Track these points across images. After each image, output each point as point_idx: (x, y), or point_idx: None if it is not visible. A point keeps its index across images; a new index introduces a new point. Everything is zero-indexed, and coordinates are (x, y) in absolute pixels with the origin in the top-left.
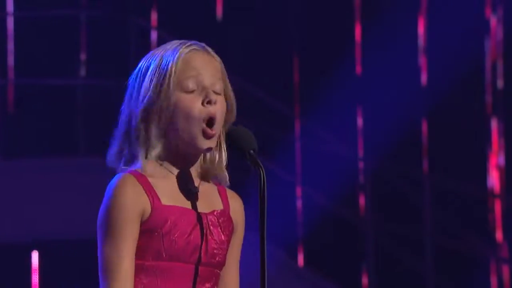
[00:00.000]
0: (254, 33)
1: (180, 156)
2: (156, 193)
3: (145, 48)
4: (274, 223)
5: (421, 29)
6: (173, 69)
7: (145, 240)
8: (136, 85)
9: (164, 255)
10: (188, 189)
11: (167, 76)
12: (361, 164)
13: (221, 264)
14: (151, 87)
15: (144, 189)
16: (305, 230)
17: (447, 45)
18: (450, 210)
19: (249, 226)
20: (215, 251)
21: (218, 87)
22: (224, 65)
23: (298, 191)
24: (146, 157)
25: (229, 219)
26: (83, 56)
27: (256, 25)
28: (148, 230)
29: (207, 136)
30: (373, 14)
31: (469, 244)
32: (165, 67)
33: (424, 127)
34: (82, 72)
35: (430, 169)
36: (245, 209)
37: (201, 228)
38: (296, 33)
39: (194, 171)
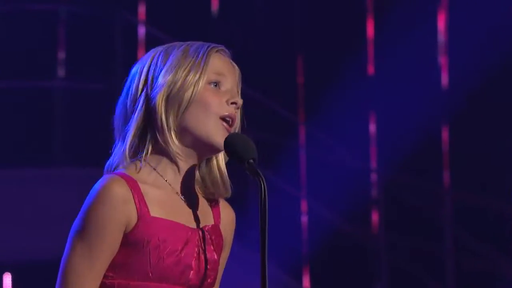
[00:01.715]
0: (253, 29)
1: (184, 158)
2: (145, 202)
3: (132, 46)
4: (277, 240)
5: (441, 24)
6: (205, 58)
7: (127, 256)
8: (152, 70)
9: (151, 275)
10: (181, 201)
11: (198, 62)
12: (373, 176)
13: (212, 286)
14: (178, 71)
15: (133, 196)
16: (311, 249)
17: (470, 42)
18: (473, 228)
19: (247, 242)
20: (207, 272)
21: (239, 96)
22: None
23: (303, 205)
24: (140, 159)
25: (220, 234)
26: (61, 55)
27: (255, 21)
28: (132, 243)
29: (226, 131)
30: (388, 7)
31: (493, 264)
32: (196, 55)
33: (445, 134)
34: (61, 73)
35: (451, 182)
36: (244, 226)
37: (193, 246)
38: (300, 29)
39: (190, 181)
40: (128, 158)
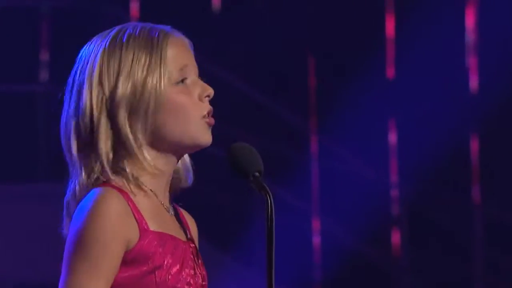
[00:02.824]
0: (259, 27)
1: (164, 166)
2: (142, 215)
3: None
4: (285, 263)
5: (470, 22)
6: (160, 53)
7: (130, 275)
8: (106, 79)
9: None
10: (166, 212)
11: (154, 60)
12: (394, 192)
13: None
14: (135, 76)
15: (131, 209)
16: (324, 273)
17: (502, 41)
18: (506, 248)
19: (252, 265)
20: None
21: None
22: (223, 67)
23: (315, 224)
24: (117, 171)
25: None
26: (44, 56)
27: (261, 18)
28: (135, 261)
29: (210, 125)
30: (410, 3)
31: None
32: (149, 50)
33: (474, 144)
34: (43, 76)
35: (481, 198)
36: (249, 247)
37: (189, 261)
38: (311, 26)
39: (168, 186)
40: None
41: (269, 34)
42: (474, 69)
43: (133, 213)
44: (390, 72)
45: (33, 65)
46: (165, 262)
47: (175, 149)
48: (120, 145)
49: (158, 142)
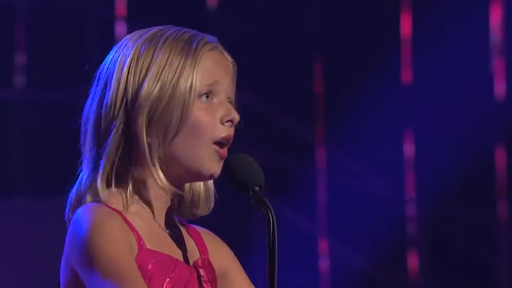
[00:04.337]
0: (259, 26)
1: (169, 189)
2: (138, 233)
3: (108, 48)
4: None
5: (495, 20)
6: (195, 61)
7: None
8: (133, 75)
9: None
10: (166, 234)
11: (188, 67)
12: (410, 209)
13: None
14: (164, 81)
15: (127, 225)
16: None
17: None
18: None
19: None
20: None
21: (232, 97)
22: None
23: (322, 245)
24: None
25: (212, 269)
26: (20, 59)
27: (262, 16)
28: None
29: (221, 157)
30: (428, 0)
31: None
32: (184, 55)
33: (500, 156)
34: (19, 81)
35: (508, 216)
36: (248, 268)
37: (194, 285)
38: (318, 27)
39: (170, 207)
40: (103, 189)
41: (270, 34)
42: (500, 73)
43: (130, 228)
44: (406, 76)
45: (7, 69)
46: (166, 285)
47: (181, 172)
48: (132, 152)
49: (167, 159)
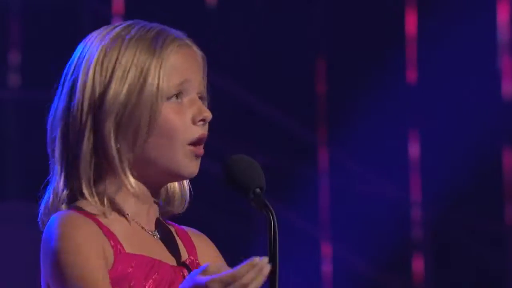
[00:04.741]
0: (260, 25)
1: (145, 191)
2: (116, 237)
3: None
4: None
5: (503, 18)
6: (161, 60)
7: None
8: (99, 77)
9: None
10: (149, 236)
11: (154, 67)
12: (416, 212)
13: None
14: (130, 84)
15: (102, 232)
16: None
17: None
18: None
19: None
20: None
21: (204, 92)
22: (219, 71)
23: (325, 249)
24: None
25: None
26: (14, 58)
27: (262, 15)
28: (113, 284)
29: (197, 156)
30: None
31: None
32: (149, 54)
33: (508, 157)
34: (14, 80)
35: None
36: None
37: (178, 286)
38: (320, 25)
39: (153, 209)
40: (81, 196)
41: (272, 33)
42: (508, 72)
43: (105, 234)
44: (411, 75)
45: (1, 68)
46: (146, 287)
47: (157, 175)
48: (102, 159)
49: (141, 163)
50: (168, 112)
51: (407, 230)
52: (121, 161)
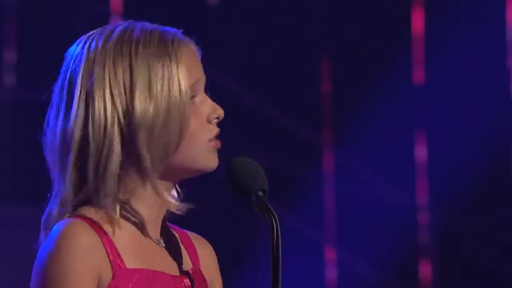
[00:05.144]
0: (262, 23)
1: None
2: (118, 252)
3: None
4: None
5: (511, 17)
6: (179, 70)
7: None
8: (118, 86)
9: None
10: (153, 244)
11: (175, 79)
12: (423, 217)
13: None
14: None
15: (102, 244)
16: None
17: None
18: None
19: None
20: None
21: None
22: (220, 70)
23: (330, 254)
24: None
25: (204, 279)
26: (9, 57)
27: (265, 12)
28: None
29: (217, 149)
30: None
31: None
32: (167, 73)
33: None
34: (9, 80)
35: None
36: (251, 278)
37: None
38: (325, 24)
39: (161, 214)
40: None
41: (276, 32)
42: None
43: (105, 247)
44: (418, 76)
45: None
46: None
47: (175, 174)
48: (128, 170)
49: (167, 168)
50: (191, 116)
51: (413, 234)
52: (154, 174)
